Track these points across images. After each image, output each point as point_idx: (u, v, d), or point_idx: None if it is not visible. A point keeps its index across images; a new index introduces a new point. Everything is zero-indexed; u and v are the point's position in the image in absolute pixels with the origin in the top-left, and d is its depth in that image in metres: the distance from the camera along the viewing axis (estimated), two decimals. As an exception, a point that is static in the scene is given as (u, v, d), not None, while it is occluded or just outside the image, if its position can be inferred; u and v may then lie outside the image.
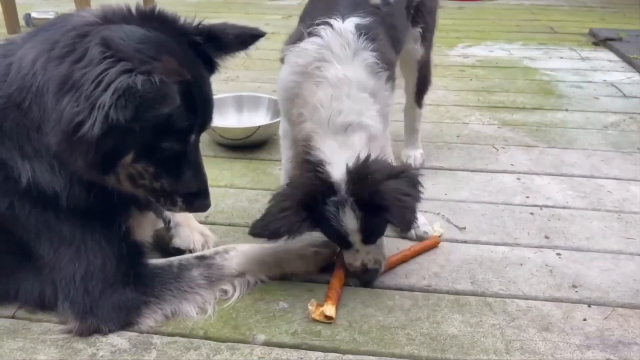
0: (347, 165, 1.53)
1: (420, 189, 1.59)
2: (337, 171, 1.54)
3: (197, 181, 1.48)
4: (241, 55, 1.56)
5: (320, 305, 1.55)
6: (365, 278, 1.67)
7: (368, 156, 1.56)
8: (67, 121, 1.24)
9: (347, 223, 1.54)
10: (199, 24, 1.47)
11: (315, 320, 1.53)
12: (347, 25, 1.69)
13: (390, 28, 1.88)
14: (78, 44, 1.28)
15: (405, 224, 1.61)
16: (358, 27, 1.69)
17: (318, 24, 1.70)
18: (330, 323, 1.53)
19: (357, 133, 1.61)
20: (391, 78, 1.77)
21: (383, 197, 1.51)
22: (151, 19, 1.39)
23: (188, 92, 1.31)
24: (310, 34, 1.70)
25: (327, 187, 1.53)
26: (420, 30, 2.17)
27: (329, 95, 1.62)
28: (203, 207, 1.54)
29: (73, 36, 1.30)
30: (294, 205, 1.54)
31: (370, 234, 1.59)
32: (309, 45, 1.69)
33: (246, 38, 1.52)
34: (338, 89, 1.63)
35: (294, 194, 1.57)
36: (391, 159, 1.78)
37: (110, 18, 1.36)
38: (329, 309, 1.53)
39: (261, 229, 1.56)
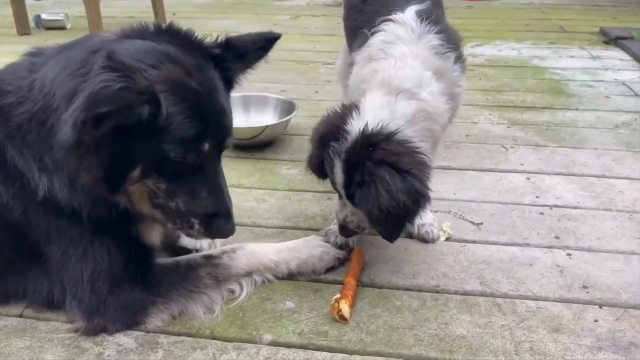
0: (366, 124, 1.49)
1: (415, 203, 1.46)
2: (358, 124, 1.50)
3: (216, 201, 1.40)
4: (261, 64, 1.53)
5: (338, 301, 1.53)
6: (341, 232, 1.67)
7: (396, 132, 1.49)
8: (62, 132, 1.23)
9: (335, 174, 1.53)
10: (217, 38, 1.47)
11: (326, 317, 1.53)
12: (408, 14, 1.74)
13: (442, 7, 1.95)
14: (90, 59, 1.29)
15: (369, 217, 1.48)
16: (419, 13, 1.73)
17: (379, 23, 1.74)
18: (342, 323, 1.52)
19: (407, 102, 1.58)
20: (459, 58, 1.78)
21: (363, 173, 1.45)
22: (166, 33, 1.40)
23: (194, 100, 1.30)
24: (374, 33, 1.74)
25: (338, 131, 1.52)
26: None
27: (392, 64, 1.64)
28: (224, 232, 1.44)
29: (87, 52, 1.32)
30: (316, 142, 1.59)
31: (354, 197, 1.52)
32: (373, 40, 1.74)
33: (263, 42, 1.51)
34: (402, 60, 1.64)
35: (319, 129, 1.60)
36: (430, 154, 1.64)
37: (127, 35, 1.38)
38: (346, 310, 1.51)
39: (308, 166, 1.66)
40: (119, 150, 1.26)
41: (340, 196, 1.62)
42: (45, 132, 1.36)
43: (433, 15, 1.74)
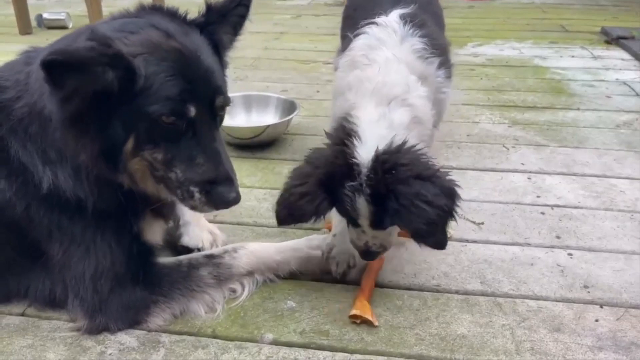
0: (377, 148, 1.42)
1: (454, 200, 1.44)
2: (364, 151, 1.43)
3: (213, 166, 1.35)
4: (246, 25, 1.54)
5: (361, 302, 1.54)
6: (364, 257, 1.62)
7: (404, 143, 1.45)
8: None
9: (359, 210, 1.46)
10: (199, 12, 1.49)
11: (327, 316, 1.53)
12: (391, 16, 1.71)
13: (433, 14, 1.89)
14: (77, 39, 1.33)
15: (416, 234, 1.46)
16: (403, 16, 1.70)
17: (363, 25, 1.72)
18: (359, 323, 1.52)
19: (401, 110, 1.52)
20: (444, 64, 1.73)
21: (398, 198, 1.41)
22: (151, 9, 1.44)
23: (175, 60, 1.29)
24: (357, 36, 1.72)
25: (348, 168, 1.43)
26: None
27: (376, 71, 1.60)
28: (226, 199, 1.38)
29: (77, 35, 1.36)
30: (314, 189, 1.46)
31: (381, 223, 1.49)
32: (355, 43, 1.71)
33: None
34: (386, 66, 1.61)
35: (314, 173, 1.48)
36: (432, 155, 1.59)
37: (114, 18, 1.42)
38: (369, 314, 1.52)
39: (286, 218, 1.51)
40: (107, 122, 1.27)
41: (356, 226, 1.53)
42: (45, 121, 1.37)
43: (418, 19, 1.71)
